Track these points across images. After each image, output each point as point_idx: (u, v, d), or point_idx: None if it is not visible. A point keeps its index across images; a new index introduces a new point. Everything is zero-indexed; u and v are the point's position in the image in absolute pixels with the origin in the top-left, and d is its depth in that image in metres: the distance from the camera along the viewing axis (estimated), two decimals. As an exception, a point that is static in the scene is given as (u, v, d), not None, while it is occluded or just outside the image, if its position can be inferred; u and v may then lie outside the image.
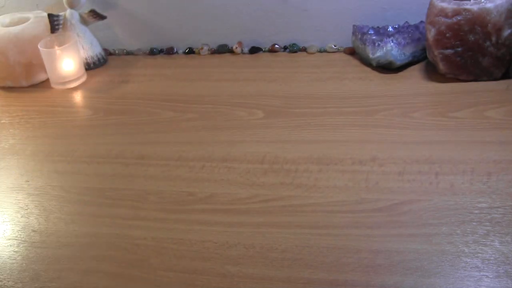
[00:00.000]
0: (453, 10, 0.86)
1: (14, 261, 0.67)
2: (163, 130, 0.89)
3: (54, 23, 1.09)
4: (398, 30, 0.99)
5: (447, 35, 0.87)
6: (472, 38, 0.86)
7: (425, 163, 0.73)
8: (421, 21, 1.00)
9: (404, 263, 0.59)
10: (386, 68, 0.97)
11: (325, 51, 1.08)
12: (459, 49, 0.88)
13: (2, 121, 0.99)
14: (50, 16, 1.09)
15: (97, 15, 1.12)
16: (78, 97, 1.04)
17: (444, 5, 0.87)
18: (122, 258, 0.65)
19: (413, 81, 0.93)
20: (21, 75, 1.08)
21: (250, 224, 0.67)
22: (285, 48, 1.11)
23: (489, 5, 0.85)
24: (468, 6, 0.85)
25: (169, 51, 1.16)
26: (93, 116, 0.96)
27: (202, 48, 1.14)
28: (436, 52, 0.90)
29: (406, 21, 1.02)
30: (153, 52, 1.17)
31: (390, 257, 0.60)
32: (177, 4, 1.13)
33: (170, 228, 0.68)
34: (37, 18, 1.10)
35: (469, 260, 0.58)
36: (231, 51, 1.13)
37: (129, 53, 1.19)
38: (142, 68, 1.12)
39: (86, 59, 1.12)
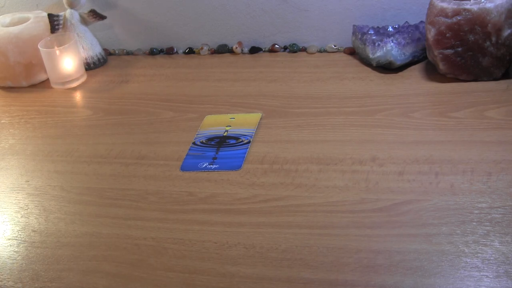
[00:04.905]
0: (453, 10, 0.86)
1: (14, 261, 0.67)
2: (163, 130, 0.89)
3: (54, 23, 1.10)
4: (398, 30, 0.99)
5: (447, 35, 0.87)
6: (472, 38, 0.86)
7: (425, 163, 0.73)
8: (421, 21, 1.00)
9: (404, 263, 0.59)
10: (386, 68, 0.97)
11: (325, 51, 1.08)
12: (459, 49, 0.88)
13: (2, 121, 0.99)
14: (50, 16, 1.09)
15: (97, 15, 1.12)
16: (78, 97, 1.04)
17: (444, 5, 0.87)
18: (122, 258, 0.65)
19: (413, 81, 0.93)
20: (21, 75, 1.08)
21: (250, 224, 0.67)
22: (285, 48, 1.11)
23: (489, 5, 0.85)
24: (468, 6, 0.85)
25: (169, 51, 1.16)
26: (93, 116, 0.96)
27: (202, 48, 1.14)
28: (436, 52, 0.90)
29: (406, 21, 1.02)
30: (153, 52, 1.17)
31: (390, 257, 0.60)
32: (177, 4, 1.13)
33: (170, 228, 0.68)
34: (37, 18, 1.10)
35: (469, 260, 0.58)
36: (231, 51, 1.13)
37: (129, 53, 1.19)
38: (142, 68, 1.12)
39: (86, 59, 1.12)
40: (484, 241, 0.60)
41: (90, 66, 1.13)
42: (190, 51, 1.15)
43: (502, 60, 0.88)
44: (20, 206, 0.76)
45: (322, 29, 1.08)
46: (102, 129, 0.92)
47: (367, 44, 0.98)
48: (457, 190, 0.68)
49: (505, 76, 0.90)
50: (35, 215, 0.74)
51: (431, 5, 0.90)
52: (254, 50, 1.12)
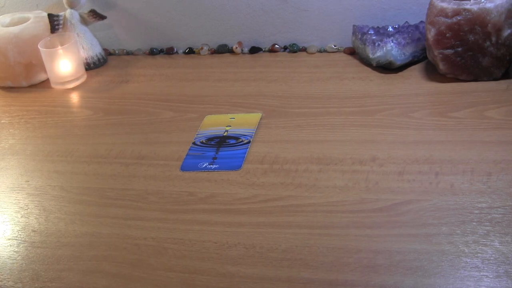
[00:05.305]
0: (453, 10, 0.86)
1: (14, 261, 0.67)
2: (163, 130, 0.89)
3: (54, 23, 1.09)
4: (398, 30, 0.99)
5: (447, 35, 0.87)
6: (472, 38, 0.86)
7: (425, 163, 0.73)
8: (421, 21, 1.00)
9: (404, 263, 0.59)
10: (386, 68, 0.97)
11: (325, 51, 1.08)
12: (459, 49, 0.88)
13: (2, 121, 0.99)
14: (50, 16, 1.09)
15: (97, 15, 1.12)
16: (78, 97, 1.04)
17: (444, 5, 0.87)
18: (122, 258, 0.65)
19: (413, 81, 0.93)
20: (21, 75, 1.08)
21: (250, 224, 0.67)
22: (285, 48, 1.11)
23: (489, 5, 0.85)
24: (468, 6, 0.85)
25: (169, 51, 1.16)
26: (93, 116, 0.96)
27: (202, 48, 1.14)
28: (436, 52, 0.90)
29: (406, 21, 1.02)
30: (153, 52, 1.17)
31: (390, 257, 0.60)
32: (177, 4, 1.13)
33: (170, 228, 0.68)
34: (37, 18, 1.10)
35: (469, 260, 0.58)
36: (231, 51, 1.13)
37: (129, 53, 1.19)
38: (142, 68, 1.12)
39: (86, 59, 1.12)
40: (484, 241, 0.60)
41: (90, 66, 1.13)
42: (190, 51, 1.15)
43: (502, 60, 0.88)
44: (20, 206, 0.76)
45: (322, 29, 1.08)
46: (102, 129, 0.92)
47: (367, 44, 0.98)
48: (457, 190, 0.68)
49: (505, 76, 0.90)
50: (35, 215, 0.74)
51: (431, 5, 0.90)
52: (254, 50, 1.12)
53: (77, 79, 1.08)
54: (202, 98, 0.97)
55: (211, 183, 0.75)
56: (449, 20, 0.87)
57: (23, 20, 1.11)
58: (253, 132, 0.84)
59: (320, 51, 1.08)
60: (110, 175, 0.80)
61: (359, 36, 1.01)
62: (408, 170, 0.72)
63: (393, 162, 0.74)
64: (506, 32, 0.86)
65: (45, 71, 1.08)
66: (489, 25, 0.85)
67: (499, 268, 0.57)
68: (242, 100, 0.95)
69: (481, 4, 0.85)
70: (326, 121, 0.85)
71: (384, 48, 0.95)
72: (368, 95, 0.91)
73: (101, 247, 0.67)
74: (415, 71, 0.96)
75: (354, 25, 1.04)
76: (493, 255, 0.58)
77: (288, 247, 0.63)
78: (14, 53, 1.05)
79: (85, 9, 1.12)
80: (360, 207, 0.67)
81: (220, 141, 0.83)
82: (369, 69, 0.99)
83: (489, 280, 0.56)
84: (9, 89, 1.10)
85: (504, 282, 0.55)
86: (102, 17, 1.13)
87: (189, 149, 0.82)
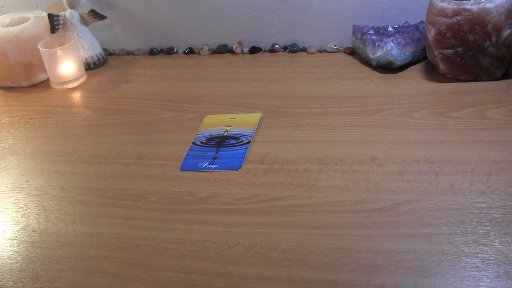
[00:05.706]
0: (453, 10, 0.86)
1: (14, 261, 0.67)
2: (163, 130, 0.89)
3: (54, 23, 1.10)
4: (398, 30, 0.99)
5: (447, 35, 0.87)
6: (472, 38, 0.86)
7: (425, 163, 0.73)
8: (421, 21, 1.00)
9: (404, 263, 0.59)
10: (386, 68, 0.97)
11: (325, 51, 1.08)
12: (459, 49, 0.88)
13: (2, 121, 0.99)
14: (50, 16, 1.09)
15: (97, 15, 1.12)
16: (78, 97, 1.04)
17: (444, 5, 0.87)
18: (122, 258, 0.65)
19: (413, 81, 0.93)
20: (21, 75, 1.08)
21: (250, 224, 0.67)
22: (285, 48, 1.11)
23: (489, 5, 0.85)
24: (468, 6, 0.85)
25: (169, 51, 1.16)
26: (93, 116, 0.96)
27: (202, 48, 1.14)
28: (436, 52, 0.90)
29: (406, 21, 1.02)
30: (153, 52, 1.17)
31: (390, 257, 0.60)
32: (177, 4, 1.13)
33: (170, 228, 0.68)
34: (37, 18, 1.10)
35: (469, 260, 0.58)
36: (231, 51, 1.13)
37: (129, 53, 1.19)
38: (142, 68, 1.12)
39: (86, 59, 1.12)
40: (484, 241, 0.60)
41: (90, 66, 1.13)
42: (190, 51, 1.15)
43: (502, 60, 0.88)
44: (20, 206, 0.76)
45: (322, 29, 1.08)
46: (102, 129, 0.92)
47: (367, 44, 0.98)
48: (457, 190, 0.68)
49: (505, 76, 0.90)
50: (35, 215, 0.74)
51: (431, 5, 0.90)
52: (254, 50, 1.12)
53: (77, 79, 1.08)
54: (202, 98, 0.97)
55: (211, 183, 0.75)
56: (449, 20, 0.87)
57: (23, 20, 1.11)
58: (253, 132, 0.84)
59: (320, 51, 1.08)
60: (110, 175, 0.80)
61: (359, 36, 1.01)
62: (408, 170, 0.72)
63: (393, 162, 0.74)
64: (506, 32, 0.86)
65: (45, 71, 1.08)
66: (489, 25, 0.85)
67: (499, 268, 0.57)
68: (242, 100, 0.95)
69: (481, 4, 0.85)
70: (326, 121, 0.85)
71: (384, 48, 0.95)
72: (368, 95, 0.91)
73: (101, 247, 0.67)
74: (415, 71, 0.96)
75: (354, 25, 1.04)
76: (493, 255, 0.58)
77: (288, 247, 0.63)
78: (14, 53, 1.05)
79: (85, 9, 1.12)
80: (360, 207, 0.67)
81: (220, 141, 0.83)
82: (369, 69, 0.99)
83: (489, 280, 0.56)
84: (9, 89, 1.10)
85: (504, 282, 0.55)
86: (102, 17, 1.13)
87: (189, 149, 0.83)
